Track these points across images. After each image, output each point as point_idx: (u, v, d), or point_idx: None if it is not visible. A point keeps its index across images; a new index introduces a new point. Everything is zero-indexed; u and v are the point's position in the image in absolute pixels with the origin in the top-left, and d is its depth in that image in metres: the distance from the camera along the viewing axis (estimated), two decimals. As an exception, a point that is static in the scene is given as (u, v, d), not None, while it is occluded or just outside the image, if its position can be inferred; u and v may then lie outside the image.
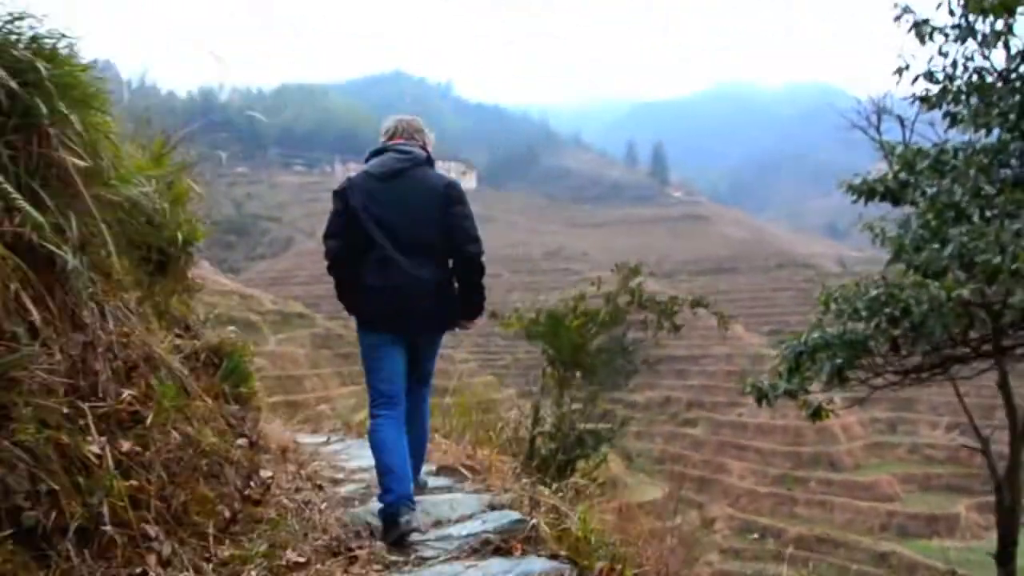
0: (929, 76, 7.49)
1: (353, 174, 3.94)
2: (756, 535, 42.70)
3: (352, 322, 4.08)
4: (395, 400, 3.88)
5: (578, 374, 7.17)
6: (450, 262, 3.99)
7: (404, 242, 3.72)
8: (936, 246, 6.45)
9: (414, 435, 3.95)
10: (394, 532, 3.44)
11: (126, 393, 2.64)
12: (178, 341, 3.47)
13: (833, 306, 6.96)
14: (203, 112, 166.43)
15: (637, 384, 69.94)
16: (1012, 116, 6.79)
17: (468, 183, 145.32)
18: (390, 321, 3.86)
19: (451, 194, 3.90)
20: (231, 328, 4.31)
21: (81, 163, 2.67)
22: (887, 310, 6.27)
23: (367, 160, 4.00)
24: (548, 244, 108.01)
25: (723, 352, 65.99)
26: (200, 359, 3.52)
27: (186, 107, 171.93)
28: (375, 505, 3.68)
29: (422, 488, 4.11)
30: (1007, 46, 7.00)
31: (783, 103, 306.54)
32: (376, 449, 3.73)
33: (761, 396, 7.32)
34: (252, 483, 3.34)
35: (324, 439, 5.70)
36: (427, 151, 4.08)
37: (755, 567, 37.92)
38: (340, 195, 3.88)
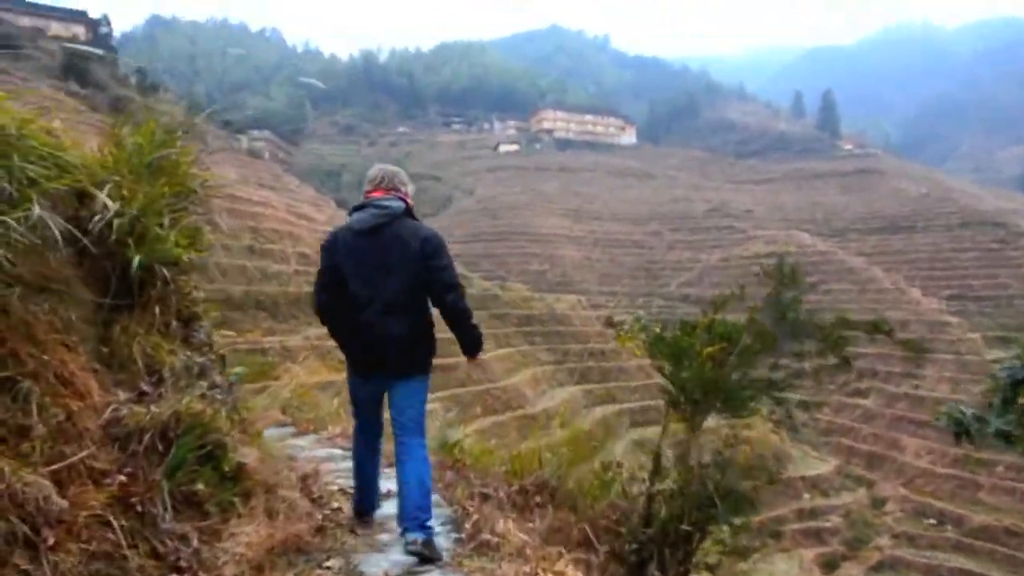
0: None
1: (340, 228, 4.20)
2: (933, 520, 39.61)
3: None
4: (367, 424, 4.29)
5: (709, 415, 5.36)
6: (428, 312, 4.17)
7: (380, 297, 3.97)
8: None
9: (402, 480, 4.00)
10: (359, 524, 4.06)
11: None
12: (120, 411, 2.42)
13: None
14: (364, 74, 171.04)
15: (804, 350, 66.69)
16: None
17: (627, 138, 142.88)
18: (365, 368, 4.15)
19: (426, 249, 4.04)
20: (234, 371, 3.47)
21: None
22: None
23: (350, 214, 4.21)
24: (710, 200, 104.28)
25: (899, 317, 61.58)
26: (143, 440, 2.41)
27: (347, 70, 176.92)
28: None
29: (429, 547, 3.79)
30: None
31: (964, 43, 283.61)
32: (353, 464, 4.24)
33: (961, 431, 5.58)
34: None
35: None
36: (407, 202, 4.26)
37: (931, 556, 35.24)
38: (326, 250, 4.14)
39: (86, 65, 55.85)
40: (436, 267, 3.99)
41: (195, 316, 3.14)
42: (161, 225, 2.80)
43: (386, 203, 4.10)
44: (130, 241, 2.65)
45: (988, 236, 79.21)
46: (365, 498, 4.11)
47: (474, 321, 4.17)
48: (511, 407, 32.09)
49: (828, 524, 37.69)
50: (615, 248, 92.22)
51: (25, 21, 66.21)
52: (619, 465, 4.76)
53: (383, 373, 4.09)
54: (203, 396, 2.77)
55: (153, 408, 2.44)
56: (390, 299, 3.95)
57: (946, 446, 45.87)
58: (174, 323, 2.89)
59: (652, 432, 38.15)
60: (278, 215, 38.29)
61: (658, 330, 4.71)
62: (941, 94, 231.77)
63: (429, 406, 4.12)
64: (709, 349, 4.56)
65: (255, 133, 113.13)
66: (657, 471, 4.62)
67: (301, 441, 5.44)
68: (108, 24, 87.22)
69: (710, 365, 4.57)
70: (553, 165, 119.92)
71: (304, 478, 3.87)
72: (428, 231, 4.12)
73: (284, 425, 5.93)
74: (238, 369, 3.06)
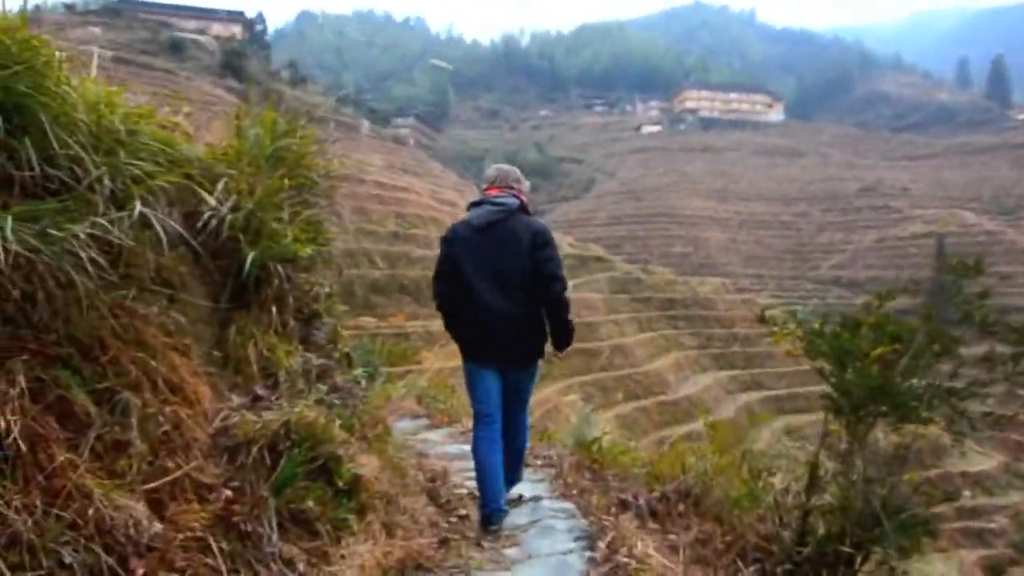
0: None
1: (459, 222, 4.37)
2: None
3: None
4: (490, 419, 4.29)
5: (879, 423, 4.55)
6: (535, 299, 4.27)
7: (497, 284, 4.17)
8: None
9: (512, 449, 4.38)
10: (485, 535, 3.92)
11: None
12: (230, 419, 2.27)
13: None
14: (505, 58, 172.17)
15: (965, 335, 62.84)
16: None
17: (774, 115, 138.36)
18: (484, 352, 4.29)
19: (536, 240, 4.24)
20: (357, 372, 3.33)
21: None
22: None
23: (468, 209, 4.42)
24: (863, 179, 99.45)
25: (1075, 300, 57.20)
26: (251, 452, 2.23)
27: (488, 55, 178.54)
28: None
29: (518, 502, 4.37)
30: None
31: None
32: (476, 465, 4.18)
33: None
34: None
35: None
36: (521, 199, 4.42)
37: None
38: (445, 243, 4.32)
39: (241, 62, 58.57)
40: (543, 258, 4.19)
41: (316, 314, 3.03)
42: (279, 220, 2.71)
43: (501, 200, 4.31)
44: (243, 238, 2.57)
45: None
46: (492, 501, 4.04)
47: (570, 316, 4.32)
48: (653, 392, 31.66)
49: (993, 525, 35.34)
50: (761, 230, 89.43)
51: (190, 24, 70.09)
52: (771, 473, 4.35)
53: (503, 362, 4.32)
54: (320, 401, 2.64)
55: (265, 415, 2.33)
56: (508, 285, 4.17)
57: None
58: (292, 323, 2.77)
59: (800, 420, 36.86)
60: (422, 200, 39.04)
61: (817, 325, 4.05)
62: None
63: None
64: (877, 350, 4.06)
65: (400, 120, 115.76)
66: (814, 483, 4.17)
67: (434, 435, 5.36)
68: (263, 22, 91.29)
69: (877, 368, 4.08)
70: (697, 145, 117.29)
71: (432, 480, 3.73)
72: (539, 225, 4.32)
73: (418, 417, 5.88)
74: (358, 372, 2.89)
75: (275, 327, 2.63)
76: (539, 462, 4.55)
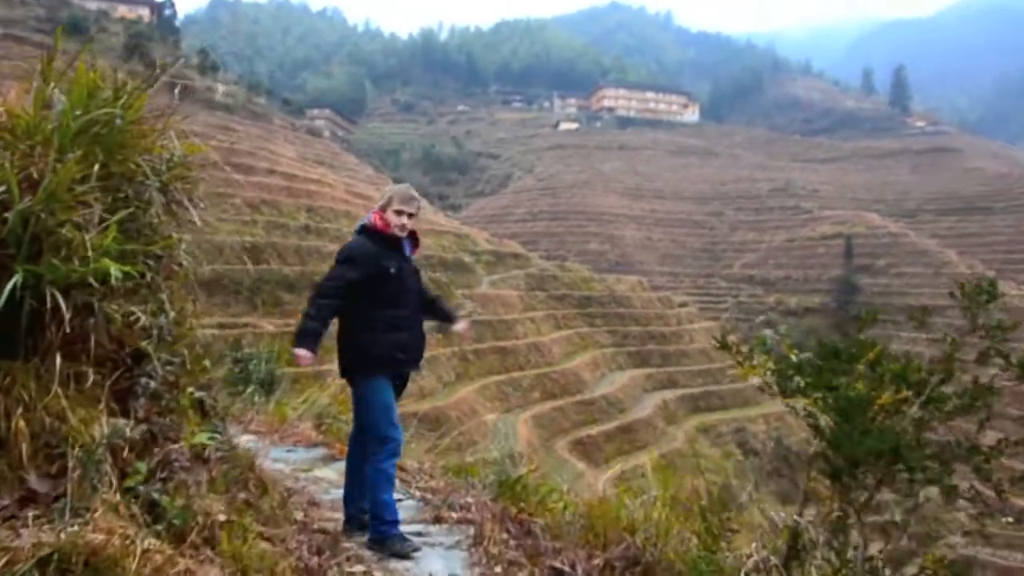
0: None
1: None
2: (1011, 519, 37.67)
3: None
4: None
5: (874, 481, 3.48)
6: (356, 319, 4.27)
7: None
8: None
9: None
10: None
11: None
12: None
13: None
14: (424, 52, 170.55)
15: (872, 334, 64.33)
16: None
17: (690, 116, 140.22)
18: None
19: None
20: (202, 436, 2.52)
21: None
22: None
23: None
24: (775, 180, 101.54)
25: (974, 302, 59.20)
26: None
27: (406, 48, 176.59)
28: None
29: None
30: None
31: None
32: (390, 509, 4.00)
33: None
34: None
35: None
36: (371, 218, 4.40)
37: (1008, 555, 33.61)
38: None
39: (147, 46, 56.06)
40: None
41: (141, 357, 2.18)
42: (79, 225, 1.90)
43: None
44: (11, 251, 1.75)
45: (1073, 218, 75.66)
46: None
47: (304, 324, 4.10)
48: (570, 391, 31.25)
49: (895, 518, 35.90)
50: (676, 228, 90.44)
51: (93, 5, 66.93)
52: (731, 531, 3.67)
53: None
54: (132, 494, 1.83)
55: (26, 534, 1.50)
56: None
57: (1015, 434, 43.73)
58: (92, 375, 1.95)
59: (713, 419, 37.06)
60: (335, 194, 37.83)
61: (794, 356, 3.23)
62: (1021, 68, 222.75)
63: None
64: (884, 397, 3.35)
65: (315, 112, 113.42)
66: (795, 555, 3.48)
67: (329, 471, 4.55)
68: (172, 6, 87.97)
69: (882, 418, 3.38)
70: (613, 143, 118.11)
71: (319, 552, 2.90)
72: (347, 243, 4.44)
73: (315, 445, 5.09)
74: (204, 437, 2.04)
75: (65, 383, 1.82)
76: (454, 515, 3.83)
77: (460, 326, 4.95)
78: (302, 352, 3.94)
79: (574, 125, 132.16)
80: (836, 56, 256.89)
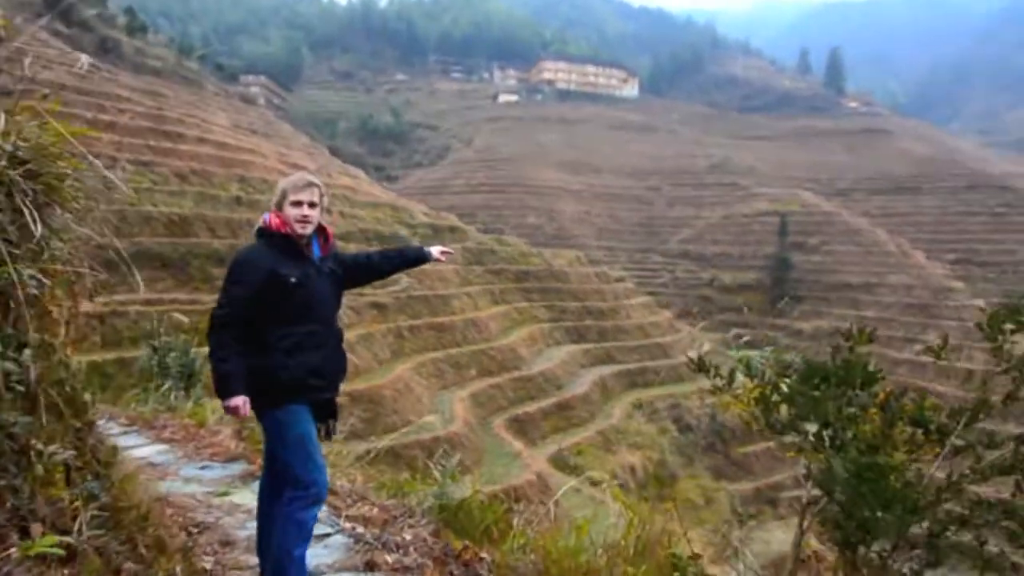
0: None
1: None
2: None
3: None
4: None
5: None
6: (255, 341, 3.53)
7: None
8: None
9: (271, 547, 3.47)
10: None
11: None
12: None
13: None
14: (363, 19, 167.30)
15: (804, 311, 65.85)
16: None
17: (629, 90, 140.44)
18: None
19: None
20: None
21: None
22: None
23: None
24: (712, 156, 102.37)
25: (901, 281, 60.67)
26: None
27: (345, 14, 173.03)
28: None
29: None
30: None
31: (977, 1, 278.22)
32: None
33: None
34: None
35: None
36: (264, 221, 3.71)
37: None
38: None
39: (71, 3, 53.54)
40: None
41: None
42: None
43: None
44: None
45: (995, 200, 77.75)
46: None
47: (216, 356, 3.45)
48: (507, 368, 30.95)
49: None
50: (614, 203, 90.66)
51: (10, -46, 63.62)
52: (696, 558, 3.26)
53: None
54: None
55: None
56: None
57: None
58: None
59: (650, 395, 37.16)
60: (268, 164, 36.76)
61: (784, 386, 2.78)
62: (952, 54, 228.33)
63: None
64: (899, 456, 2.91)
65: (250, 78, 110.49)
66: None
67: (248, 493, 3.95)
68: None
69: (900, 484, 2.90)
70: (553, 116, 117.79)
71: None
72: (238, 249, 3.84)
73: (234, 459, 4.56)
74: (48, 543, 1.54)
75: None
76: (389, 559, 3.34)
77: (435, 253, 4.14)
78: (234, 402, 3.33)
79: (514, 97, 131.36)
80: (775, 35, 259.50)
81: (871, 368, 3.30)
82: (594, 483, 24.31)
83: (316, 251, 3.65)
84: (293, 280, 3.46)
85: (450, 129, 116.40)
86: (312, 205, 3.57)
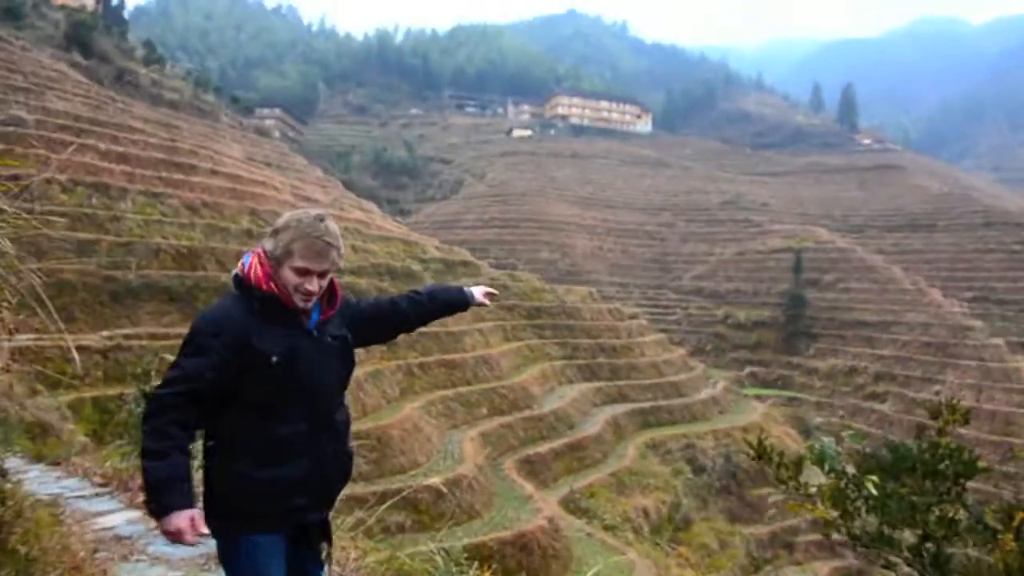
0: None
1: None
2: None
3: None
4: None
5: None
6: (217, 436, 2.65)
7: None
8: None
9: None
10: None
11: None
12: None
13: None
14: (379, 54, 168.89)
15: (819, 349, 65.12)
16: None
17: (643, 126, 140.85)
18: None
19: None
20: None
21: None
22: None
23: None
24: (725, 192, 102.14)
25: (918, 320, 59.92)
26: None
27: (361, 49, 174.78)
28: None
29: None
30: None
31: (988, 40, 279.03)
32: None
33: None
34: None
35: None
36: (244, 269, 2.77)
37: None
38: None
39: (90, 36, 54.11)
40: None
41: None
42: None
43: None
44: None
45: (1012, 237, 77.01)
46: None
47: (150, 453, 2.45)
48: (518, 407, 30.45)
49: (843, 536, 35.90)
50: (627, 238, 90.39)
51: (31, -11, 64.44)
52: None
53: None
54: None
55: None
56: None
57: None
58: None
59: (663, 435, 36.53)
60: (280, 196, 36.62)
61: (871, 485, 2.37)
62: (964, 91, 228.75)
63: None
64: None
65: (265, 111, 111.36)
66: None
67: None
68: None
69: None
70: (566, 151, 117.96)
71: None
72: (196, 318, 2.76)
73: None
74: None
75: None
76: None
77: (478, 296, 3.37)
78: (175, 523, 2.36)
79: (527, 132, 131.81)
80: (787, 72, 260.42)
81: (968, 456, 2.59)
82: (607, 528, 23.82)
83: (315, 315, 2.77)
84: (275, 359, 2.59)
85: (463, 163, 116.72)
86: (322, 276, 2.70)
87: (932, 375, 52.84)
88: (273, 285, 2.67)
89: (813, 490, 2.77)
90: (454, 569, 3.66)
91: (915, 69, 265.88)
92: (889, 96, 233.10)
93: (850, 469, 2.70)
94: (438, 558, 3.78)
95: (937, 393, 50.92)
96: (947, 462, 2.56)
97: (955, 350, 54.53)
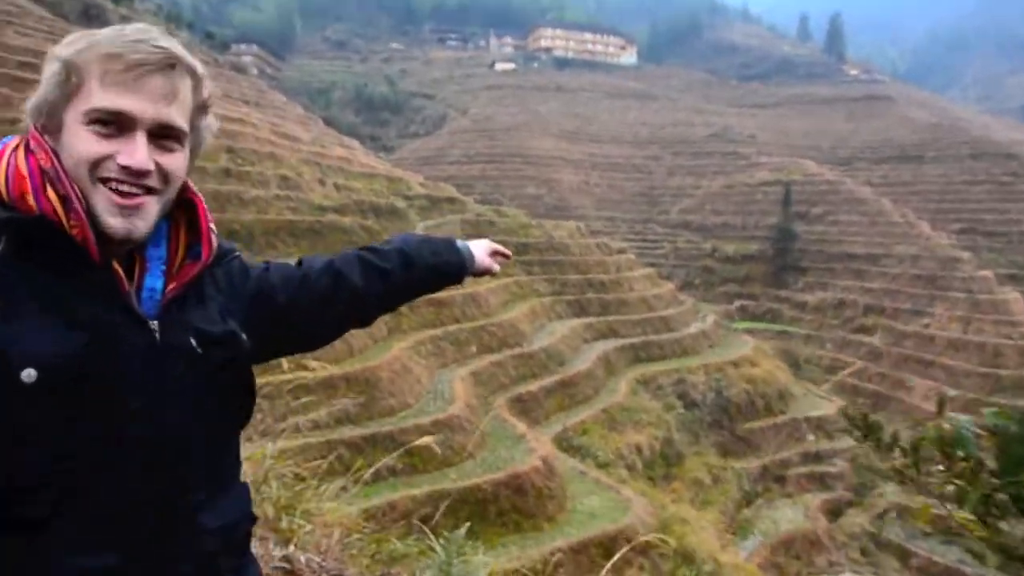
0: None
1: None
2: (941, 467, 38.02)
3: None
4: None
5: None
6: None
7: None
8: None
9: None
10: None
11: None
12: None
13: None
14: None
15: (808, 283, 64.82)
16: None
17: (628, 58, 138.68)
18: None
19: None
20: None
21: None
22: None
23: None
24: (712, 124, 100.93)
25: (908, 252, 59.60)
26: None
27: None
28: None
29: None
30: None
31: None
32: None
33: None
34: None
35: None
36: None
37: (936, 504, 33.55)
38: None
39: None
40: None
41: None
42: None
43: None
44: None
45: (1000, 168, 76.45)
46: None
47: None
48: (508, 344, 29.96)
49: (833, 469, 36.22)
50: (614, 172, 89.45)
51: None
52: None
53: None
54: None
55: None
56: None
57: (956, 389, 44.25)
58: None
59: (654, 369, 36.23)
60: (259, 134, 35.50)
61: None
62: (951, 19, 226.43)
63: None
64: None
65: (242, 47, 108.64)
66: None
67: None
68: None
69: None
70: (550, 85, 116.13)
71: None
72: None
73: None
74: None
75: None
76: None
77: (481, 260, 2.03)
78: None
79: (511, 66, 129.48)
80: (773, 1, 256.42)
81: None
82: (600, 465, 23.54)
83: (154, 279, 1.34)
84: (34, 375, 1.14)
85: (446, 98, 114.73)
86: (164, 139, 1.29)
87: (921, 307, 52.71)
88: (51, 195, 1.23)
89: (950, 487, 2.03)
90: (455, 558, 3.03)
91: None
92: (876, 26, 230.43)
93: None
94: (438, 546, 3.16)
95: (926, 326, 50.94)
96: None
97: (944, 282, 54.34)
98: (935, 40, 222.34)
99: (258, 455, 3.52)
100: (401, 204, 38.09)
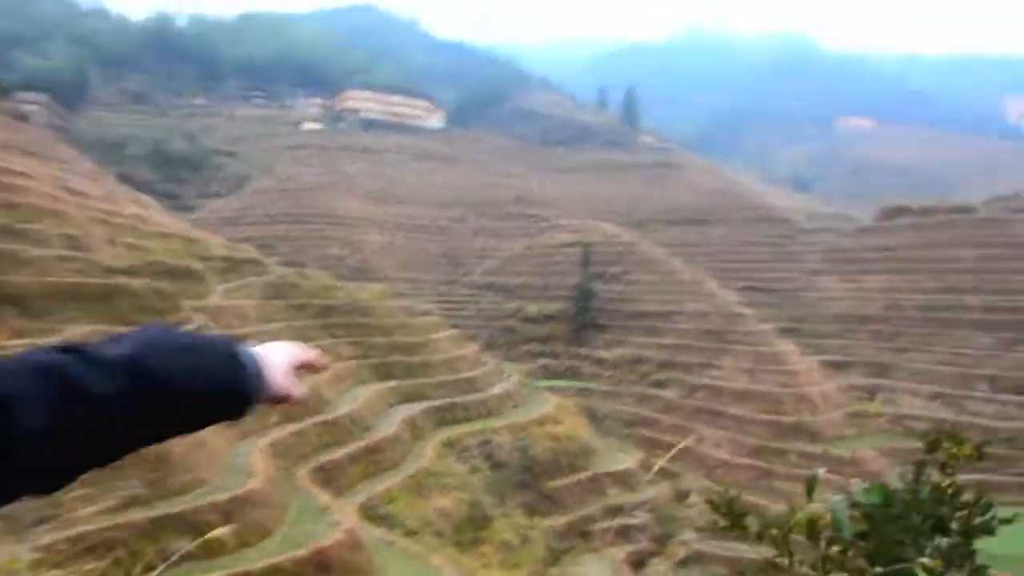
0: None
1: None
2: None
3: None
4: None
5: None
6: None
7: None
8: None
9: None
10: None
11: None
12: None
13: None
14: (158, 39, 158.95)
15: (607, 340, 67.55)
16: None
17: (435, 122, 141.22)
18: None
19: None
20: None
21: None
22: None
23: None
24: (516, 188, 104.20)
25: (697, 308, 63.49)
26: None
27: (139, 33, 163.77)
28: None
29: None
30: None
31: (758, 52, 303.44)
32: None
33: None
34: None
35: None
36: None
37: (734, 548, 35.63)
38: None
39: None
40: None
41: None
42: None
43: None
44: None
45: (776, 231, 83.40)
46: None
47: None
48: (310, 411, 29.36)
49: (635, 520, 37.60)
50: (419, 233, 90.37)
51: None
52: None
53: None
54: None
55: None
56: None
57: (743, 436, 47.34)
58: None
59: (459, 432, 36.51)
60: (42, 188, 33.44)
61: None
62: (734, 97, 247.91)
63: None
64: None
65: (28, 95, 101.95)
66: None
67: None
68: None
69: None
70: (357, 145, 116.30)
71: None
72: None
73: None
74: None
75: None
76: None
77: (280, 386, 1.41)
78: None
79: (317, 125, 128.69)
80: (573, 74, 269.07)
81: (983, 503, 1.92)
82: (408, 534, 23.40)
83: None
84: None
85: (250, 156, 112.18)
86: None
87: (710, 360, 56.13)
88: None
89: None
90: None
91: (691, 76, 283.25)
92: (668, 101, 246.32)
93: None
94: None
95: (715, 378, 54.25)
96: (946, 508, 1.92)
97: (730, 336, 58.21)
98: (719, 114, 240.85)
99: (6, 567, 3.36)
100: (198, 266, 36.78)
